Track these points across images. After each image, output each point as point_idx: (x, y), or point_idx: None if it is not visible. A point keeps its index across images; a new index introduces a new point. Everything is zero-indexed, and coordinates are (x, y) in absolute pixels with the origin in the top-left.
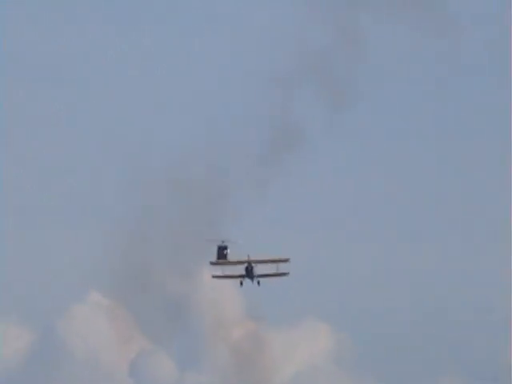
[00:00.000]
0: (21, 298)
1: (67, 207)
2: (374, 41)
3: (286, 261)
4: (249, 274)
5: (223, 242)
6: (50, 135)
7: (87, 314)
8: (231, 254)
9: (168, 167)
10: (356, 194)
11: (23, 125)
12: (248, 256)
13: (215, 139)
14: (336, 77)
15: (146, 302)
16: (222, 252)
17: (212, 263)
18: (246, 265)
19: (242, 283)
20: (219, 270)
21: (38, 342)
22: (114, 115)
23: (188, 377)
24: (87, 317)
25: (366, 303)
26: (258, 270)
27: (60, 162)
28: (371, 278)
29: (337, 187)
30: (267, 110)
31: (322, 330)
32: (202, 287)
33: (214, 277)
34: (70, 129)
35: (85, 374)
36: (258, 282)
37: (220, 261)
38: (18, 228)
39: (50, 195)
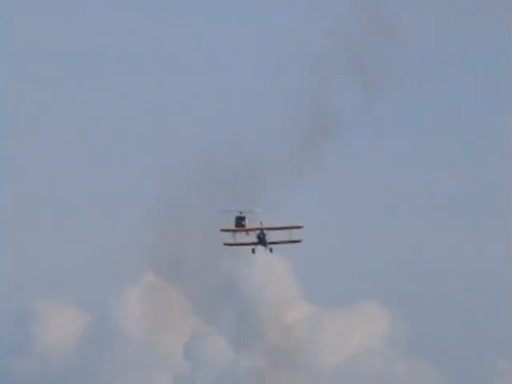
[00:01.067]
0: (75, 281)
1: (112, 192)
2: (414, 28)
3: (299, 227)
4: (261, 241)
5: (241, 212)
6: (85, 120)
7: (141, 295)
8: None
9: (204, 154)
10: (386, 179)
11: (52, 114)
12: (261, 223)
13: (252, 126)
14: (372, 65)
15: (200, 284)
16: (240, 222)
17: (223, 230)
18: (258, 232)
19: (253, 251)
20: (231, 238)
21: (93, 325)
22: (151, 99)
23: (243, 358)
24: (141, 299)
25: (420, 287)
26: (271, 237)
27: (101, 148)
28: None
29: (367, 172)
30: (304, 98)
31: (377, 313)
32: (256, 267)
33: (225, 244)
34: (105, 114)
35: (139, 357)
36: (271, 250)
37: (232, 228)
38: (69, 212)
39: (94, 180)
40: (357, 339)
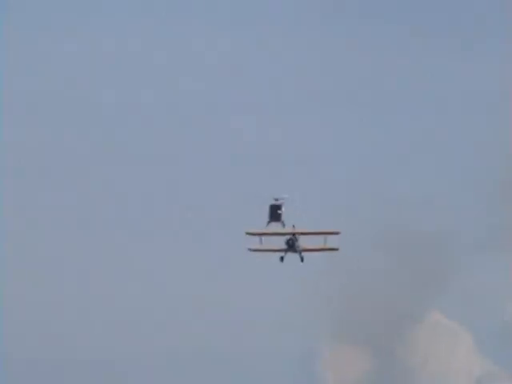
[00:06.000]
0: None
1: None
2: None
3: (336, 233)
4: (291, 247)
5: (277, 199)
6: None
7: (427, 336)
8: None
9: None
10: None
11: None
12: (293, 226)
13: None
14: None
15: (485, 324)
16: (275, 211)
17: (248, 233)
18: (288, 237)
19: (282, 258)
20: (256, 243)
21: (377, 365)
22: None
23: None
24: (427, 339)
25: None
26: (303, 243)
27: None
28: None
29: None
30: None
31: None
32: None
33: (250, 250)
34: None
35: None
36: (302, 258)
37: (258, 231)
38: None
39: None
40: None
